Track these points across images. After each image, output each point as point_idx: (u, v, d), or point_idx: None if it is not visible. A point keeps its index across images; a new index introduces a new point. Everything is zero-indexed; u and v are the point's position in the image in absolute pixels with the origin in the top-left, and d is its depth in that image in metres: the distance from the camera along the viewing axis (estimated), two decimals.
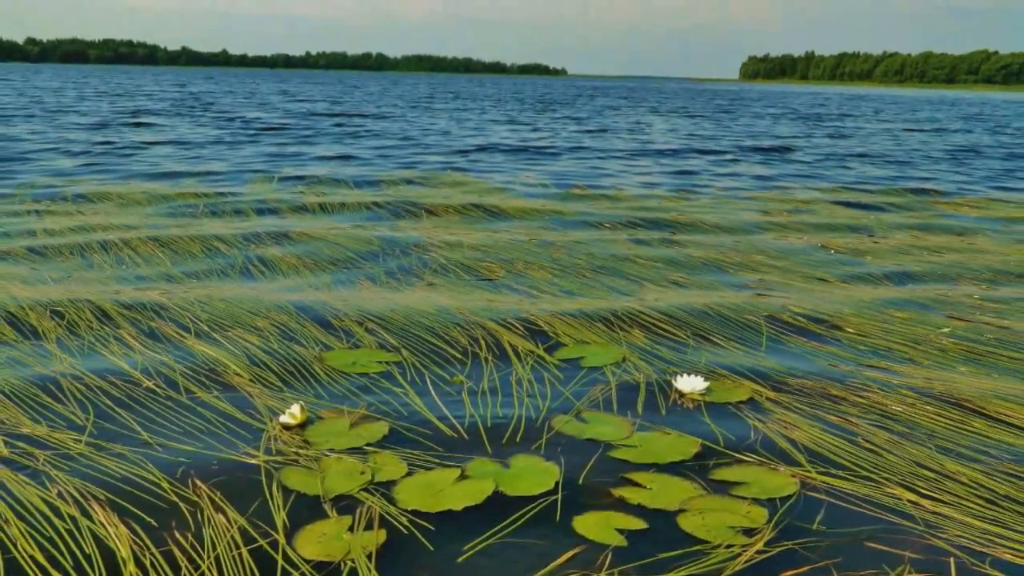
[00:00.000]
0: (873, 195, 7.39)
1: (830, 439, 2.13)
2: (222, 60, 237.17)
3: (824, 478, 1.93)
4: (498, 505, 1.79)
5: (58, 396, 2.33)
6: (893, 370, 2.66)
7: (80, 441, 2.06)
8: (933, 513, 1.79)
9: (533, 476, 1.90)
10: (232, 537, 1.64)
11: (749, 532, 1.70)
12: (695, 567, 1.58)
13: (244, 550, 1.61)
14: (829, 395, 2.43)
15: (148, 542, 1.62)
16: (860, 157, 11.30)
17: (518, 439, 2.12)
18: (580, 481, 1.89)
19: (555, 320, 3.04)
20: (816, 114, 25.27)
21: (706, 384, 2.43)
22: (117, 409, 2.26)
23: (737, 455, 2.04)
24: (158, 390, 2.39)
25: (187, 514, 1.72)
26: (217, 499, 1.78)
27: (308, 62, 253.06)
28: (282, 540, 1.64)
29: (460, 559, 1.60)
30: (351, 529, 1.68)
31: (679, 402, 2.38)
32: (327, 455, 1.99)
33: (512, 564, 1.58)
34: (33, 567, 1.55)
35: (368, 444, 2.06)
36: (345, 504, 1.77)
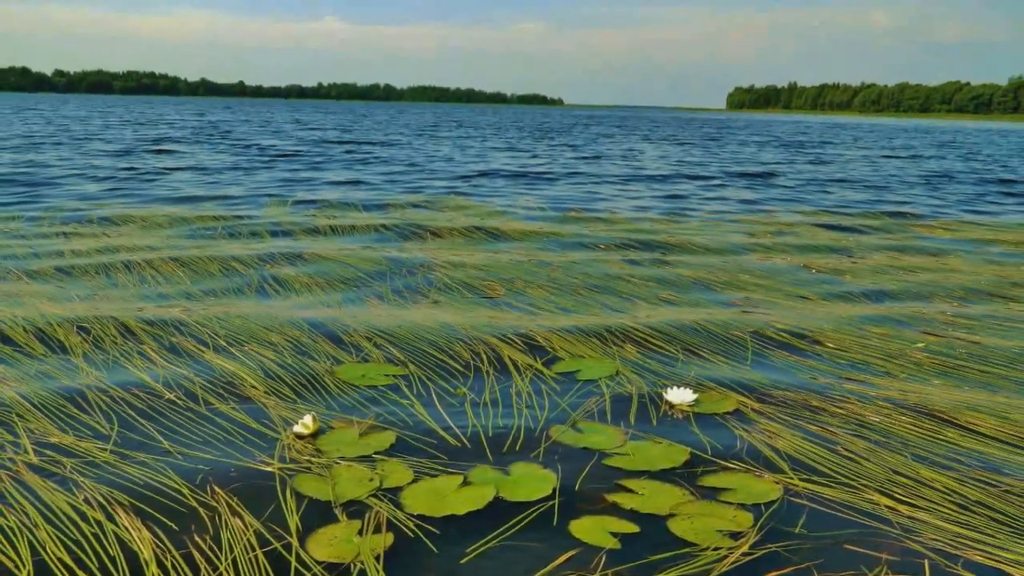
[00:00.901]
0: (852, 218, 7.42)
1: (811, 447, 2.14)
2: (239, 90, 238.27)
3: (806, 484, 1.94)
4: (499, 510, 1.79)
5: (84, 407, 2.34)
6: (870, 383, 2.67)
7: (105, 450, 2.07)
8: (908, 517, 1.79)
9: (532, 483, 1.91)
10: (248, 540, 1.65)
11: (735, 535, 1.70)
12: (685, 568, 1.58)
13: (259, 552, 1.61)
14: (810, 406, 2.44)
15: (169, 545, 1.63)
16: (840, 182, 11.34)
17: (518, 448, 2.12)
18: (576, 487, 1.90)
19: (552, 336, 3.06)
20: (798, 141, 25.37)
21: (694, 396, 2.44)
22: (140, 419, 2.27)
23: (724, 463, 2.04)
24: (178, 401, 2.40)
25: (206, 518, 1.73)
26: (234, 504, 1.78)
27: (320, 92, 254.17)
28: (295, 543, 1.65)
29: (463, 561, 1.60)
30: (360, 532, 1.69)
31: (669, 413, 2.39)
32: (338, 463, 2.00)
33: (512, 565, 1.59)
34: (61, 568, 1.55)
35: (376, 452, 2.07)
36: (355, 509, 1.78)
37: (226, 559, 1.59)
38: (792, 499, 1.86)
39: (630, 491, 1.89)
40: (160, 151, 13.88)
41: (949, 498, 1.89)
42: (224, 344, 2.93)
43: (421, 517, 1.75)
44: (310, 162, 12.45)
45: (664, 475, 1.97)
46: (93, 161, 11.44)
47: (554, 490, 1.87)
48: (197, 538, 1.66)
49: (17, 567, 1.56)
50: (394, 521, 1.73)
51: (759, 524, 1.75)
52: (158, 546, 1.62)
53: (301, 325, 3.14)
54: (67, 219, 6.17)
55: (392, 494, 1.85)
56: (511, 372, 2.72)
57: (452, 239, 5.61)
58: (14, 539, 1.64)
